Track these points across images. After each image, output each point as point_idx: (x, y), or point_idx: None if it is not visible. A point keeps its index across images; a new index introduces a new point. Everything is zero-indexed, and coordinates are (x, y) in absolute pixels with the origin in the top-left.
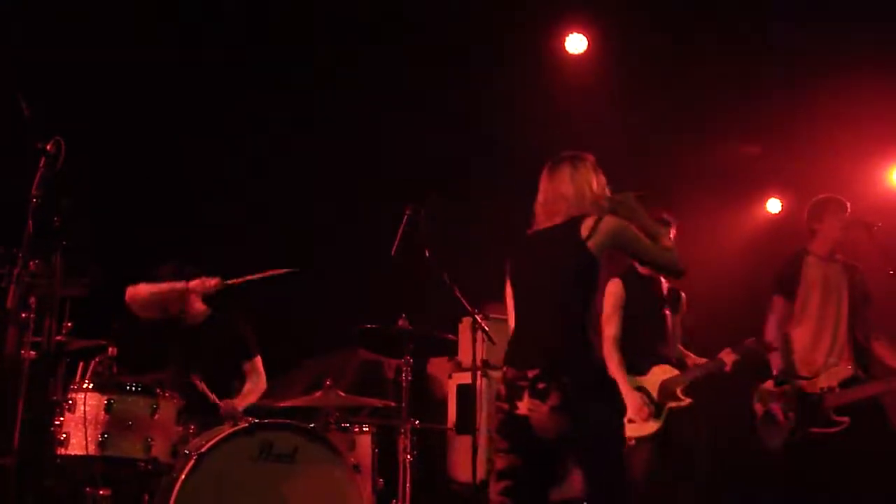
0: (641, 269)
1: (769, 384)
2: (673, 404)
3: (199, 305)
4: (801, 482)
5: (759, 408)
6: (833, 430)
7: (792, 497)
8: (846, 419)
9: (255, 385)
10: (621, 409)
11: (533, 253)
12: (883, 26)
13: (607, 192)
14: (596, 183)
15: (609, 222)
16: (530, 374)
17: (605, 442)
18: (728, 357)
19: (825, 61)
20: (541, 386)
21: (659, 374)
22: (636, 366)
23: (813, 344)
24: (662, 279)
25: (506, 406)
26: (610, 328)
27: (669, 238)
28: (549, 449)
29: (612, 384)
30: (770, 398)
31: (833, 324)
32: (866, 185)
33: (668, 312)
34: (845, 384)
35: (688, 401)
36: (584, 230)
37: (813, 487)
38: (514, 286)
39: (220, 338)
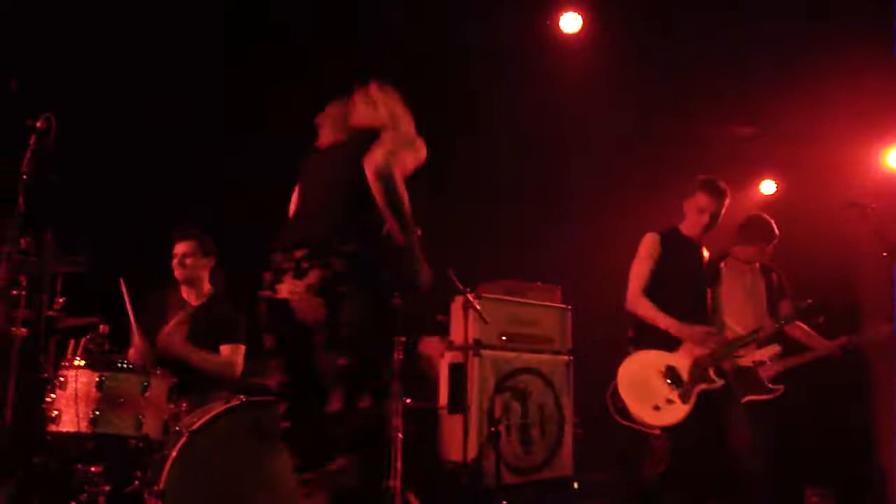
0: (682, 228)
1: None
2: (704, 386)
3: (206, 287)
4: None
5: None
6: (768, 396)
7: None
8: (781, 386)
9: (221, 366)
10: (384, 313)
11: (322, 159)
12: (876, 7)
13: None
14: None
15: (383, 152)
16: (297, 254)
17: (354, 337)
18: (767, 323)
19: (819, 42)
20: (304, 265)
21: (690, 352)
22: (666, 341)
23: (742, 328)
24: (704, 248)
25: (267, 293)
26: (637, 279)
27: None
28: (307, 334)
29: (381, 285)
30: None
31: (753, 316)
32: (861, 166)
33: (706, 283)
34: (774, 359)
35: (720, 382)
36: (366, 147)
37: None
38: (301, 183)
39: (210, 318)
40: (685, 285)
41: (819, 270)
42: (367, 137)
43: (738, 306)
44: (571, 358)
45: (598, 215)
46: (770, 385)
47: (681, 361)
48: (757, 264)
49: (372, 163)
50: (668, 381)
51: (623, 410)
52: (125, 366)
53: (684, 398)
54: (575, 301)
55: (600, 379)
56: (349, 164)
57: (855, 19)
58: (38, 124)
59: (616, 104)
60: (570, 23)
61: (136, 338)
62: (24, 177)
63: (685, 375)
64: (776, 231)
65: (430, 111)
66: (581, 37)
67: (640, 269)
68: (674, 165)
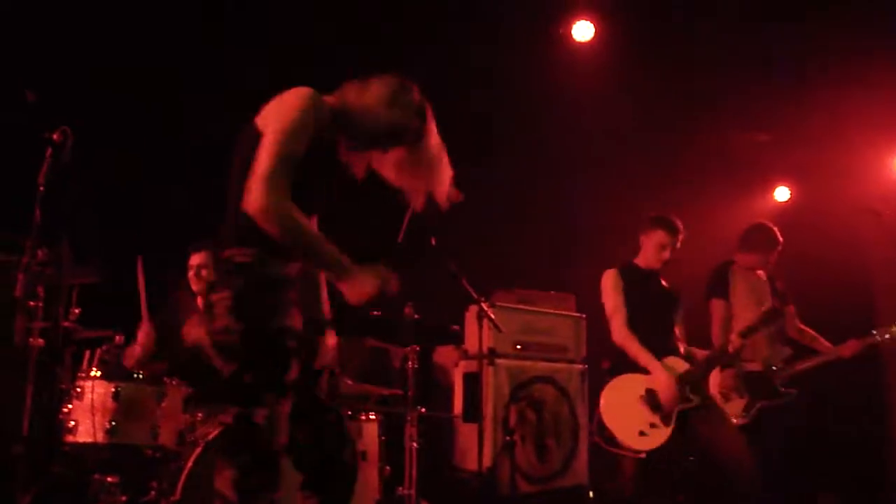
0: (639, 262)
1: (717, 369)
2: (681, 406)
3: None
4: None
5: (713, 390)
6: (782, 400)
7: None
8: (794, 390)
9: None
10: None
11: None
12: (892, 13)
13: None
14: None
15: (261, 176)
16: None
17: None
18: (736, 338)
19: (834, 48)
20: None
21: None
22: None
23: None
24: (662, 278)
25: None
26: (617, 312)
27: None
28: None
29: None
30: (722, 379)
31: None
32: (875, 172)
33: (669, 308)
34: (787, 362)
35: (696, 400)
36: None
37: (767, 453)
38: None
39: None
40: (648, 316)
41: (833, 276)
42: (252, 139)
43: (751, 315)
44: (586, 367)
45: (613, 223)
46: (783, 389)
47: (657, 384)
48: (762, 272)
49: (248, 203)
50: (649, 405)
51: (611, 439)
52: (141, 376)
53: (666, 421)
54: (589, 310)
55: None
56: (237, 168)
57: (870, 26)
58: (55, 137)
59: (630, 112)
60: (583, 31)
61: (145, 321)
62: (41, 189)
63: (662, 397)
64: (780, 239)
65: (444, 121)
66: (594, 45)
67: (616, 303)
68: (689, 174)
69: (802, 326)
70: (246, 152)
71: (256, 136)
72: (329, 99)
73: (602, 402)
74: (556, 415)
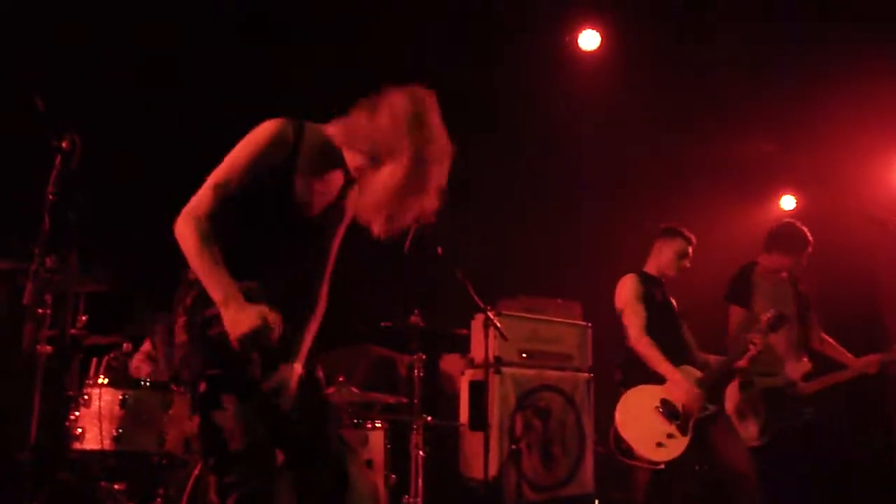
0: (649, 270)
1: (736, 385)
2: (698, 415)
3: None
4: (775, 473)
5: (730, 408)
6: (800, 419)
7: (769, 488)
8: (810, 409)
9: None
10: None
11: None
12: None
13: None
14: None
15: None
16: None
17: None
18: (756, 338)
19: (840, 56)
20: None
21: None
22: (654, 374)
23: (771, 347)
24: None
25: None
26: (636, 318)
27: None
28: None
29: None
30: (739, 398)
31: (785, 329)
32: (881, 181)
33: (678, 316)
34: (807, 378)
35: (713, 408)
36: None
37: (786, 477)
38: None
39: None
40: (664, 323)
41: (841, 285)
42: None
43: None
44: (592, 375)
45: (619, 232)
46: (801, 409)
47: (674, 393)
48: (785, 274)
49: None
50: (665, 415)
51: (628, 451)
52: (147, 383)
53: (683, 430)
54: (595, 318)
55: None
56: None
57: (876, 35)
58: (64, 145)
59: (636, 120)
60: (589, 40)
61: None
62: (50, 197)
63: (680, 407)
64: (810, 239)
65: (451, 131)
66: (600, 54)
67: (637, 310)
68: (695, 182)
69: (825, 336)
70: None
71: None
72: (329, 127)
73: (617, 415)
74: (562, 423)
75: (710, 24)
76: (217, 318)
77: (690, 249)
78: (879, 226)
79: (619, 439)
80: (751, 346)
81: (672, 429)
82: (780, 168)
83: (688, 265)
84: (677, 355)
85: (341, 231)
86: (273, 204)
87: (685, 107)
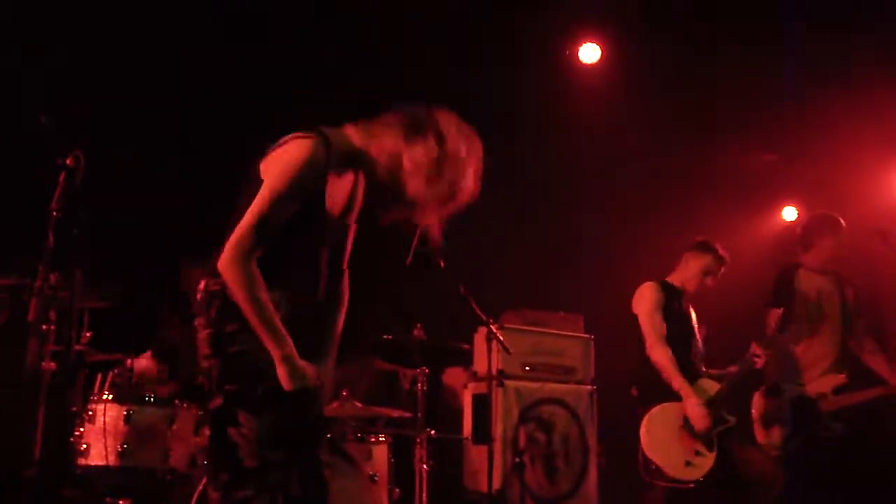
0: (672, 281)
1: (762, 391)
2: (720, 428)
3: None
4: (799, 486)
5: (755, 414)
6: (827, 434)
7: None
8: (839, 426)
9: None
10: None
11: None
12: None
13: None
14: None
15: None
16: None
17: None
18: (758, 351)
19: (841, 68)
20: None
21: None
22: (670, 392)
23: (807, 353)
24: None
25: None
26: (655, 328)
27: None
28: None
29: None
30: (766, 405)
31: (827, 334)
32: (883, 192)
33: (695, 328)
34: (839, 391)
35: (733, 420)
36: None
37: (810, 491)
38: None
39: None
40: (682, 335)
41: None
42: (253, 183)
43: (810, 329)
44: (595, 388)
45: (621, 245)
46: (830, 422)
47: (688, 411)
48: (832, 275)
49: (219, 260)
50: (690, 433)
51: (658, 472)
52: (152, 399)
53: (709, 446)
54: (598, 330)
55: (625, 409)
56: (239, 209)
57: (878, 45)
58: (68, 161)
59: (637, 133)
60: (589, 54)
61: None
62: (55, 213)
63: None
64: (842, 222)
65: None
66: (600, 67)
67: (655, 319)
68: (696, 194)
69: (872, 345)
70: (246, 196)
71: (258, 183)
72: (350, 132)
73: (643, 436)
74: (565, 436)
75: (711, 38)
76: (239, 335)
77: (721, 268)
78: (881, 237)
79: (647, 461)
80: (755, 360)
81: (699, 445)
82: (782, 179)
83: (710, 284)
84: (694, 368)
85: (353, 220)
86: (304, 215)
87: (685, 120)
